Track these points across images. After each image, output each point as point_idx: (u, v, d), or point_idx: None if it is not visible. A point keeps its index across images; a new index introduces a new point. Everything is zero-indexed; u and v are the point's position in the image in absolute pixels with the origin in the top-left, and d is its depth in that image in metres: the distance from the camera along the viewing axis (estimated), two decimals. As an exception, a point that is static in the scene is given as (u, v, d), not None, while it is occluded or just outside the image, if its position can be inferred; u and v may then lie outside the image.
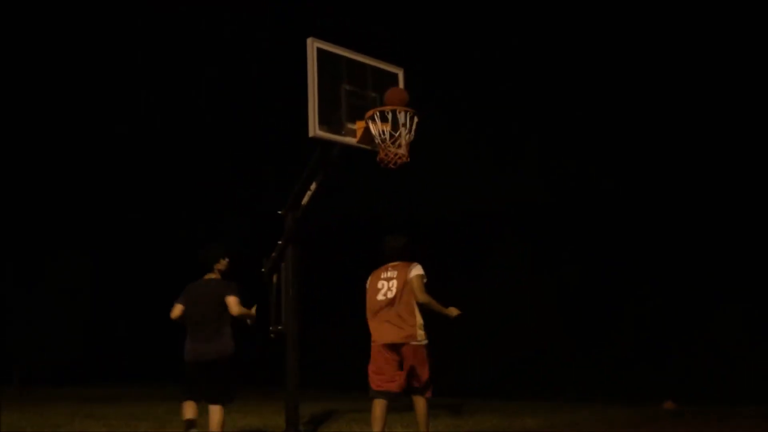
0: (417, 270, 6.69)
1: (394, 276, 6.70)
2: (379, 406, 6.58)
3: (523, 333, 17.63)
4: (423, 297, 6.59)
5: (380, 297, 6.67)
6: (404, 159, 7.36)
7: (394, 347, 6.55)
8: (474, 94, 19.30)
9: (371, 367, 6.68)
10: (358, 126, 7.40)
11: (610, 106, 18.59)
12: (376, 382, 6.61)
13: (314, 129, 7.10)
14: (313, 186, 7.59)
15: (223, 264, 7.17)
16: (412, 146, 7.38)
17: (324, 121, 7.17)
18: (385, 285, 6.68)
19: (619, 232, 18.27)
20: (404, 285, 6.62)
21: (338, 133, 7.32)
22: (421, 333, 6.61)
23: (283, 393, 7.66)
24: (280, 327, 7.63)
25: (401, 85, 7.94)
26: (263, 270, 7.73)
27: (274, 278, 7.71)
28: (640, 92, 18.39)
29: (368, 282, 6.85)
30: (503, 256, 18.70)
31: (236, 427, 9.02)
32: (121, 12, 20.73)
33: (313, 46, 7.19)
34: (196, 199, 22.25)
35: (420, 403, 6.56)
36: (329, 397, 13.26)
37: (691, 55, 17.84)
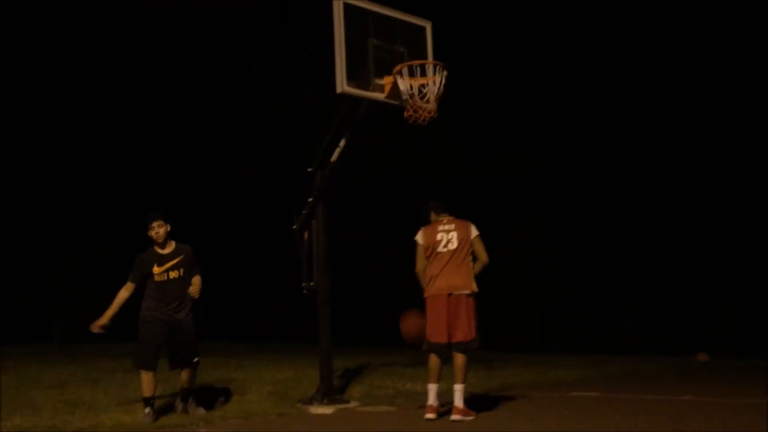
0: (476, 230, 6.83)
1: (452, 228, 6.79)
2: (435, 358, 6.71)
3: (555, 287, 17.59)
4: (487, 258, 6.79)
5: (441, 249, 6.74)
6: (432, 114, 7.30)
7: (451, 297, 6.67)
8: (504, 52, 18.90)
9: (429, 320, 6.75)
10: (386, 81, 7.33)
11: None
12: (433, 334, 6.71)
13: (342, 84, 7.04)
14: (342, 143, 7.57)
15: (152, 232, 6.77)
16: (439, 103, 7.32)
17: (352, 77, 7.11)
18: (445, 237, 6.77)
19: (650, 188, 17.98)
20: (465, 238, 6.75)
21: (366, 88, 7.26)
22: (474, 283, 6.77)
23: (316, 347, 7.78)
24: (312, 283, 7.71)
25: (429, 38, 7.82)
26: (294, 227, 7.78)
27: (305, 235, 7.77)
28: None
29: (421, 237, 6.86)
30: (532, 212, 18.58)
31: (272, 380, 9.22)
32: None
33: (339, 1, 7.09)
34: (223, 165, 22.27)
35: (460, 357, 6.66)
36: (361, 352, 13.45)
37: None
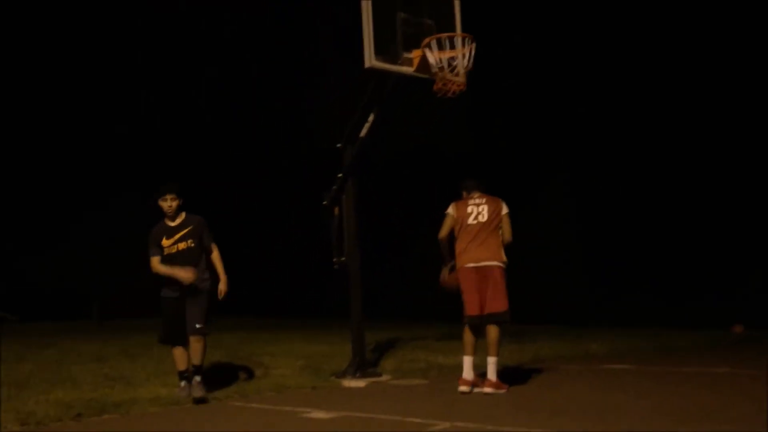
0: (506, 207, 6.87)
1: (483, 202, 6.85)
2: (470, 331, 6.75)
3: (584, 259, 17.44)
4: (511, 237, 6.85)
5: (471, 221, 6.80)
6: (462, 87, 7.25)
7: (484, 269, 6.70)
8: (531, 24, 18.50)
9: (464, 291, 6.76)
10: (415, 55, 7.28)
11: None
12: (471, 307, 6.70)
13: (370, 59, 7.01)
14: (370, 118, 7.56)
15: (165, 204, 6.69)
16: (468, 76, 7.25)
17: (380, 51, 7.07)
18: (475, 210, 6.83)
19: (680, 157, 17.57)
20: (496, 211, 6.80)
21: (394, 62, 7.21)
22: (504, 255, 6.82)
23: (348, 322, 7.85)
24: (342, 258, 7.76)
25: (457, 11, 7.73)
26: (324, 203, 7.82)
27: (336, 211, 7.80)
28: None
29: (452, 209, 6.91)
30: (559, 184, 18.39)
31: (305, 354, 9.34)
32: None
33: (367, -27, 7.02)
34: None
35: (494, 330, 6.71)
36: (393, 326, 13.54)
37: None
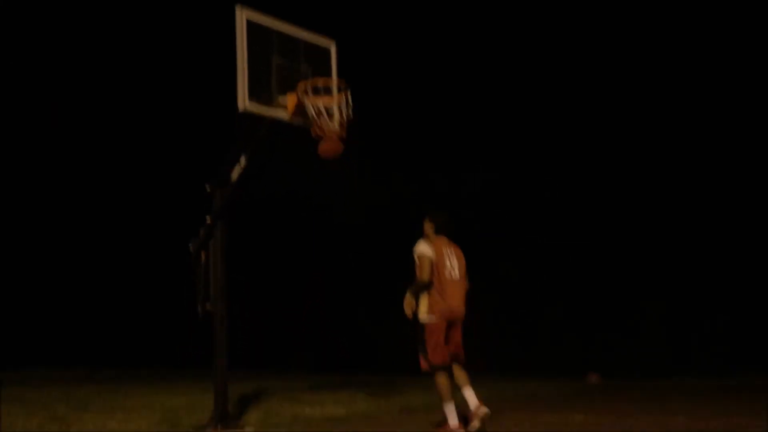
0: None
1: (453, 253, 6.99)
2: (446, 377, 6.89)
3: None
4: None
5: (449, 276, 6.87)
6: (339, 135, 7.18)
7: (453, 322, 6.92)
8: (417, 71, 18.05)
9: (434, 342, 6.81)
10: (290, 100, 7.22)
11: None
12: (441, 356, 6.82)
13: (244, 102, 6.89)
14: (242, 161, 7.38)
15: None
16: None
17: (254, 95, 6.97)
18: (449, 262, 6.90)
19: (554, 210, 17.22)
20: (464, 265, 7.04)
21: (269, 106, 7.13)
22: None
23: (211, 373, 7.49)
24: (208, 306, 7.43)
25: (333, 58, 7.78)
26: (190, 248, 7.50)
27: (202, 256, 7.49)
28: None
29: (432, 252, 6.85)
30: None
31: (163, 407, 8.80)
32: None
33: (242, 16, 6.95)
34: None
35: (461, 371, 7.02)
36: (257, 377, 13.11)
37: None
